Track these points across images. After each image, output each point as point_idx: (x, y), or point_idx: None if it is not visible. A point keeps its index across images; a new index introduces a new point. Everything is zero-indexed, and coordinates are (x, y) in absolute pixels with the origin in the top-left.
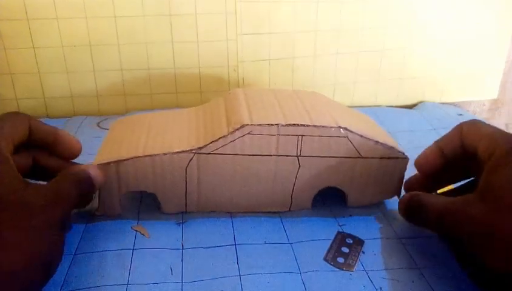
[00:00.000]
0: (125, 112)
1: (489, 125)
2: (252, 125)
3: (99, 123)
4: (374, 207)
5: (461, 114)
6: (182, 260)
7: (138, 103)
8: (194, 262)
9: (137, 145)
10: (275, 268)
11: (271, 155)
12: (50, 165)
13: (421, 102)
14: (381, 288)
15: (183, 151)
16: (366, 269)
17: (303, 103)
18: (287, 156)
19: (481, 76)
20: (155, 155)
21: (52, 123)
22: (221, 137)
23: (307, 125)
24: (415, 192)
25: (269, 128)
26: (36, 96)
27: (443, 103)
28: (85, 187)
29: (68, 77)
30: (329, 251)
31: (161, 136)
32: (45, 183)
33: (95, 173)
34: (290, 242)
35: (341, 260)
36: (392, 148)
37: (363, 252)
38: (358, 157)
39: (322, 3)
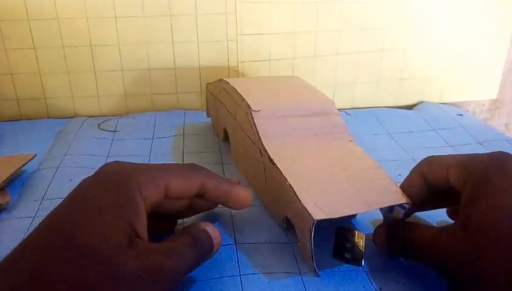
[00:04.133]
0: (126, 112)
1: (449, 155)
2: None
3: (100, 124)
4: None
5: (461, 115)
6: None
7: (138, 104)
8: None
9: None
10: (275, 268)
11: None
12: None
13: (420, 102)
14: (380, 288)
15: None
16: (365, 269)
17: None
18: None
19: (481, 76)
20: None
21: (53, 123)
22: None
23: None
24: (393, 222)
25: None
26: (36, 96)
27: (442, 104)
28: (204, 250)
29: (68, 77)
30: (335, 248)
31: None
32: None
33: (215, 233)
34: (290, 242)
35: (348, 255)
36: None
37: (366, 245)
38: None
39: (322, 3)
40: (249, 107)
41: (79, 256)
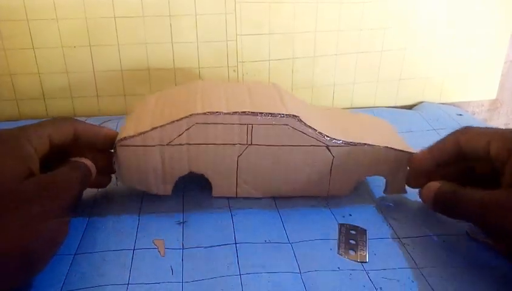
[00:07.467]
0: (125, 112)
1: (488, 128)
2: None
3: (99, 125)
4: (374, 206)
5: (460, 115)
6: (182, 260)
7: None
8: (194, 262)
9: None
10: (275, 268)
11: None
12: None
13: (420, 102)
14: (381, 288)
15: None
16: (366, 269)
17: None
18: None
19: (480, 76)
20: None
21: None
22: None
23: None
24: (444, 185)
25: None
26: (35, 97)
27: (442, 104)
28: (84, 171)
29: (68, 77)
30: (339, 246)
31: None
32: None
33: (88, 162)
34: (290, 241)
35: (352, 252)
36: None
37: (369, 239)
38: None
39: (322, 4)
40: (294, 116)
41: None
